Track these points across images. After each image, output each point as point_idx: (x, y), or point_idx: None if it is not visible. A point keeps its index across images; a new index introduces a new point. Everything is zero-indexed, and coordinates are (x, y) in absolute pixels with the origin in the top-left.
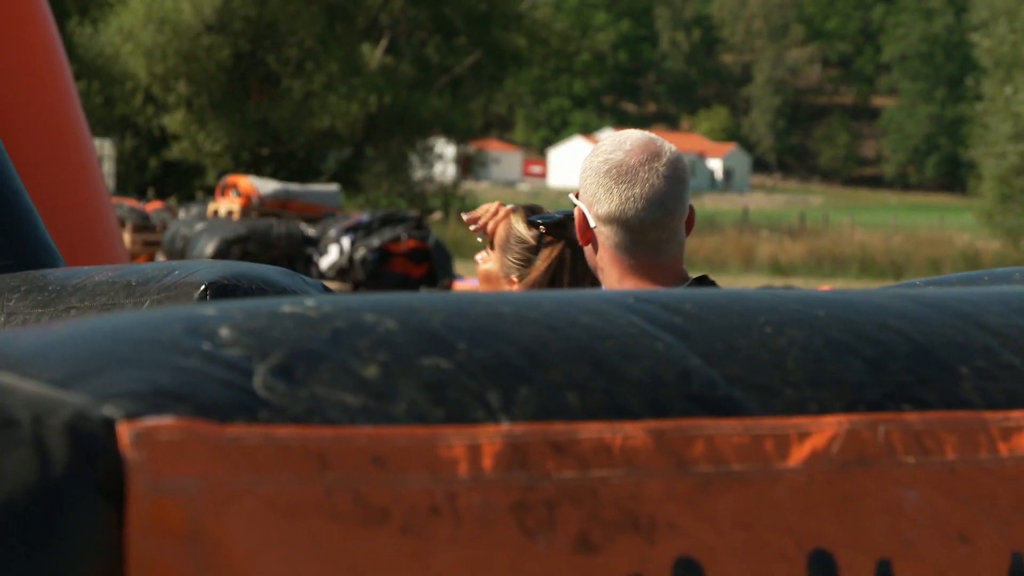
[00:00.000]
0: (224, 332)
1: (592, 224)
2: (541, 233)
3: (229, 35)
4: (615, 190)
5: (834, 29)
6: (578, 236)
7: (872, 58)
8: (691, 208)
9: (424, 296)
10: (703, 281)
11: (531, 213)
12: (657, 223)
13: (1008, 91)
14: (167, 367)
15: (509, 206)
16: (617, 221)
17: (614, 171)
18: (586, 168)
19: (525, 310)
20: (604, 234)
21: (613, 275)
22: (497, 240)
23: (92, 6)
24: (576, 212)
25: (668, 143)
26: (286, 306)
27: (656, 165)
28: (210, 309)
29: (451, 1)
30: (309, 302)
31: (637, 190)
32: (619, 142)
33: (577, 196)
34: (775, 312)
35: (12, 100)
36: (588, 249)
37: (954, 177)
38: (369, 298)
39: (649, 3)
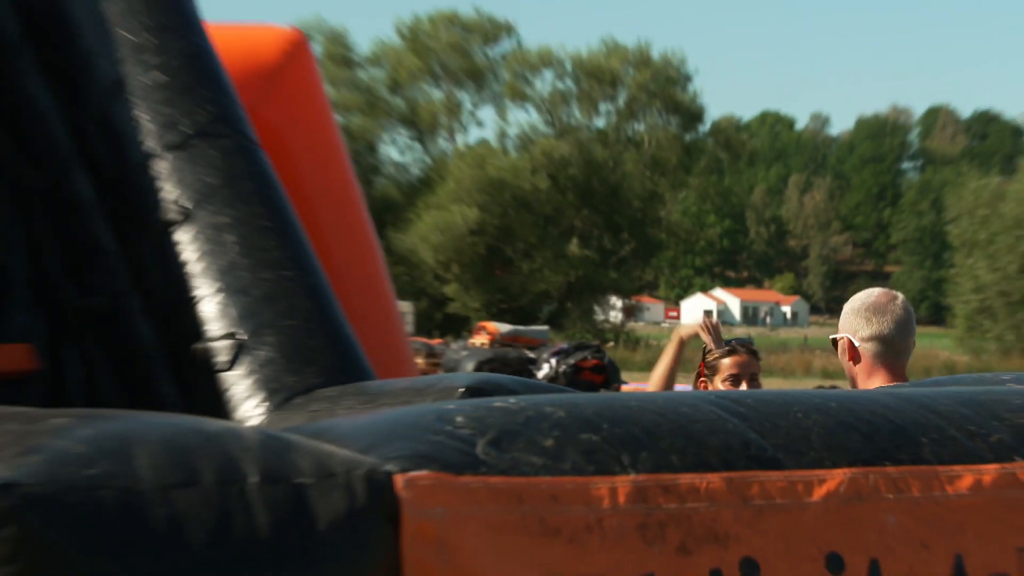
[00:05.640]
0: (459, 419)
1: (857, 344)
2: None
3: (483, 236)
4: (873, 320)
5: (860, 222)
6: (845, 357)
7: (884, 241)
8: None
9: (582, 395)
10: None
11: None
12: (899, 339)
13: (970, 262)
14: (424, 440)
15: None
16: (876, 338)
17: (871, 307)
18: (848, 312)
19: (646, 403)
20: (867, 349)
21: (866, 376)
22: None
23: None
24: (843, 341)
25: (899, 293)
26: (498, 403)
27: (896, 303)
28: (451, 405)
29: (618, 211)
30: (511, 400)
31: (887, 317)
32: (869, 292)
33: (837, 332)
34: (805, 404)
35: (340, 243)
36: (848, 364)
37: (938, 316)
38: (548, 397)
39: (743, 208)
